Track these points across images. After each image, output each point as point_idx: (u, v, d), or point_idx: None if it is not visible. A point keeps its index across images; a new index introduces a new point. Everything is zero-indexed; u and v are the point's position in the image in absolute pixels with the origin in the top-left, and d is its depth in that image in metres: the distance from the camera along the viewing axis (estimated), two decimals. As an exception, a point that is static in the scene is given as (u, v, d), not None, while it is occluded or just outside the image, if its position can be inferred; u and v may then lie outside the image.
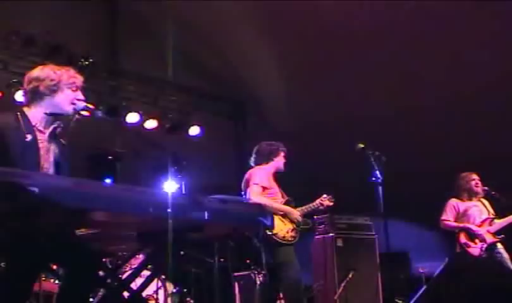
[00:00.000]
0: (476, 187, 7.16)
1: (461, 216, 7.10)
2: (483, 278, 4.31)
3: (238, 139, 10.96)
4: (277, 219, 5.98)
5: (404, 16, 8.61)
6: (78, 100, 3.71)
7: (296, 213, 6.19)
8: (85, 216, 3.05)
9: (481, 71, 8.89)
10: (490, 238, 6.96)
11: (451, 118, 9.54)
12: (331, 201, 6.47)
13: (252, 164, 6.35)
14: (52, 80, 3.66)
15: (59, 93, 3.66)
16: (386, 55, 9.13)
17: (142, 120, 9.38)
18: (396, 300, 7.83)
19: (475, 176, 7.20)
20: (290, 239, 6.03)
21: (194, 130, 9.97)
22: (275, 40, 9.75)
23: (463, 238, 7.00)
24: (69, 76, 3.72)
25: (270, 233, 5.83)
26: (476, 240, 6.94)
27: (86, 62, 8.68)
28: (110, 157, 8.78)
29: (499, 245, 7.00)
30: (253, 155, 6.40)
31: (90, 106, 3.85)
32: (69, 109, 3.68)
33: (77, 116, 3.73)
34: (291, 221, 6.12)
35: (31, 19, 8.45)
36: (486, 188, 7.17)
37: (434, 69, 9.10)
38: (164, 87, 10.03)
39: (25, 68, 8.38)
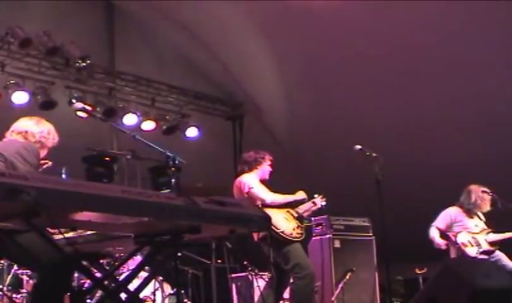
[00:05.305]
0: (487, 204, 7.17)
1: (454, 222, 7.13)
2: (479, 279, 4.32)
3: (236, 141, 10.96)
4: (281, 218, 6.00)
5: (403, 15, 8.61)
6: None
7: (303, 194, 6.27)
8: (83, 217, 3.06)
9: (485, 70, 8.90)
10: (486, 246, 7.01)
11: (451, 118, 9.55)
12: (323, 200, 6.49)
13: (238, 172, 6.40)
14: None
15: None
16: (385, 56, 9.14)
17: (140, 122, 9.39)
18: (394, 301, 7.83)
19: (487, 191, 7.20)
20: (297, 235, 6.04)
21: (191, 132, 9.98)
22: (273, 41, 9.76)
23: (460, 238, 7.02)
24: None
25: (277, 231, 5.84)
26: (473, 243, 6.97)
27: (84, 64, 8.68)
28: (107, 158, 8.78)
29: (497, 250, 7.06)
30: (240, 164, 6.47)
31: (88, 107, 3.88)
32: None
33: None
34: (294, 219, 6.13)
35: (29, 20, 8.45)
36: (492, 194, 7.18)
37: (434, 69, 9.11)
38: (162, 88, 10.03)
39: (22, 69, 8.42)
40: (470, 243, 6.98)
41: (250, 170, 6.29)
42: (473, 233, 7.05)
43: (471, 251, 6.92)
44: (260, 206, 5.92)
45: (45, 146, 4.22)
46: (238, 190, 6.19)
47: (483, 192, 7.17)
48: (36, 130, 4.21)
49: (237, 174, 6.41)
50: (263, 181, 6.31)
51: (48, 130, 4.27)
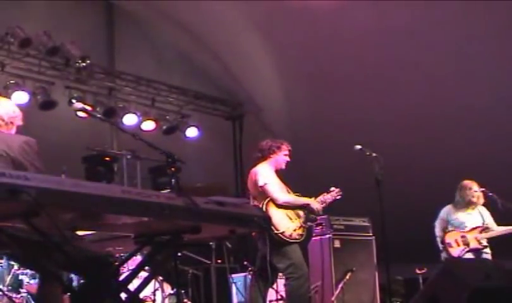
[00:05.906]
0: (474, 198, 7.20)
1: (449, 220, 7.19)
2: (479, 279, 4.32)
3: (236, 141, 10.96)
4: (284, 218, 5.91)
5: (405, 14, 8.61)
6: None
7: (317, 204, 6.16)
8: (83, 218, 3.06)
9: (484, 72, 8.90)
10: (475, 245, 7.04)
11: (451, 118, 9.55)
12: (339, 194, 6.43)
13: (254, 159, 6.30)
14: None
15: None
16: (386, 56, 9.14)
17: (140, 122, 9.39)
18: (394, 301, 7.83)
19: (474, 186, 7.21)
20: (297, 237, 5.94)
21: (191, 132, 9.98)
22: (274, 40, 9.76)
23: (447, 238, 7.13)
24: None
25: (277, 231, 5.77)
26: (460, 243, 7.04)
27: (84, 64, 8.68)
28: (107, 158, 8.78)
29: (486, 250, 7.13)
30: (255, 151, 6.33)
31: (88, 107, 3.87)
32: None
33: None
34: (298, 218, 6.05)
35: (29, 20, 8.45)
36: (484, 189, 7.20)
37: (435, 69, 9.11)
38: (162, 88, 10.03)
39: (22, 69, 8.42)
40: (457, 242, 7.06)
41: (264, 158, 6.14)
42: (464, 231, 7.09)
43: (455, 252, 7.03)
44: (269, 200, 5.88)
45: (15, 125, 4.12)
46: (252, 182, 6.06)
47: (471, 189, 7.19)
48: (2, 112, 4.08)
49: (253, 162, 6.27)
50: (278, 171, 6.19)
51: (13, 110, 4.15)
